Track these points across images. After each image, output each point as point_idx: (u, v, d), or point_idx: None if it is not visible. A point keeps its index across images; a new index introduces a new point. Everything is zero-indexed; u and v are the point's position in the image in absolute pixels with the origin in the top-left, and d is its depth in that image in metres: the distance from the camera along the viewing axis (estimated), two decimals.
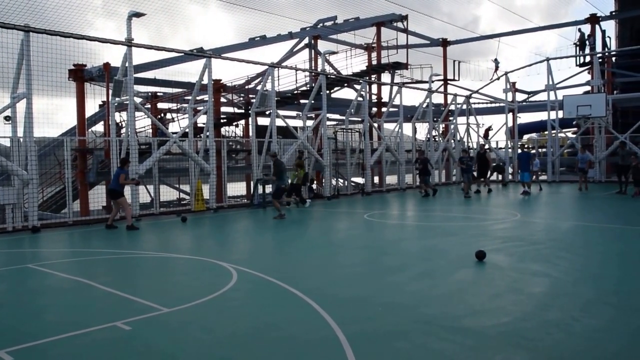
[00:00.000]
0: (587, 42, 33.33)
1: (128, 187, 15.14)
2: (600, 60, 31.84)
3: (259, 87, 23.05)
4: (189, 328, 5.58)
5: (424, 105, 29.06)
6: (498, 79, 34.76)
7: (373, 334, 5.29)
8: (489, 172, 23.85)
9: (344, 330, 5.28)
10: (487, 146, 30.62)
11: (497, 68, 37.66)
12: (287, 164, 20.89)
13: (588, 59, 32.63)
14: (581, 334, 5.17)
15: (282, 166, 16.18)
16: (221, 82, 25.40)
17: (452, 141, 31.50)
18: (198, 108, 19.15)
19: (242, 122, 28.10)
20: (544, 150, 32.87)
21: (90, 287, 7.48)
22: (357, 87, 27.45)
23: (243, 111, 26.41)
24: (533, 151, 31.17)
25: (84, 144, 21.54)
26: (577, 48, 34.05)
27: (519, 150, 23.90)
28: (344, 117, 27.27)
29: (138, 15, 15.54)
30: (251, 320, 5.86)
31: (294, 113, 31.40)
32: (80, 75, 21.53)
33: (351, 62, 32.42)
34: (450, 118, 32.48)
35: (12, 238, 12.80)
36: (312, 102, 23.27)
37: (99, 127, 26.15)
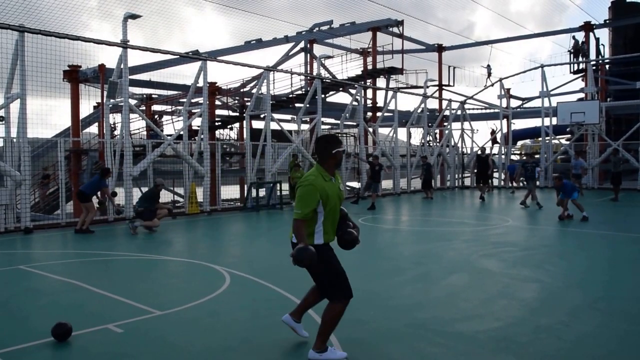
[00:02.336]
0: (580, 50, 33.55)
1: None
2: (594, 67, 32.01)
3: (254, 91, 23.06)
4: (182, 331, 5.58)
5: (419, 111, 29.13)
6: (492, 85, 34.94)
7: (365, 338, 5.31)
8: (489, 177, 22.90)
9: (337, 334, 5.27)
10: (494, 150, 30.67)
11: (489, 74, 37.87)
12: (280, 167, 20.96)
13: (582, 66, 32.82)
14: (571, 339, 5.20)
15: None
16: (216, 84, 25.42)
17: (447, 146, 31.59)
18: (193, 110, 19.16)
19: (237, 125, 28.12)
20: (537, 156, 32.98)
21: (82, 289, 7.46)
22: (353, 91, 27.51)
23: (238, 114, 26.43)
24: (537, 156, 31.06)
25: (78, 145, 21.51)
26: (572, 55, 34.25)
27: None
28: (338, 121, 27.30)
29: (134, 17, 15.52)
30: (243, 323, 5.87)
31: (289, 117, 31.46)
32: (75, 77, 21.53)
33: (346, 67, 32.55)
34: (445, 123, 32.56)
35: (4, 239, 12.75)
36: (307, 106, 23.30)
37: (93, 129, 26.12)
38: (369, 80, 30.72)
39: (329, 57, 28.83)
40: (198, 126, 19.16)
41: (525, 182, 20.22)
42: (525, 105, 40.55)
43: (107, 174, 14.15)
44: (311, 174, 4.71)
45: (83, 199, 13.79)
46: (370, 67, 31.95)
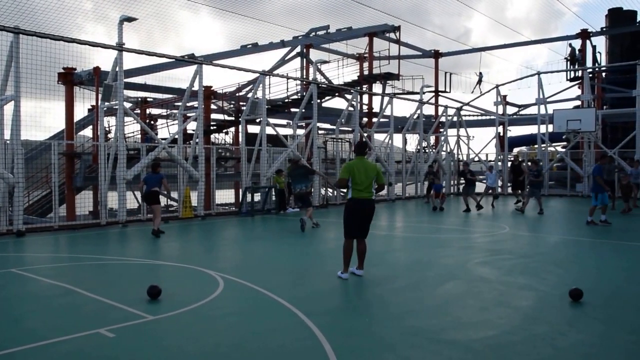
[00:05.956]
0: (577, 57, 33.66)
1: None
2: (590, 75, 32.09)
3: (249, 95, 23.02)
4: (174, 336, 5.51)
5: (415, 117, 29.13)
6: (482, 93, 35.06)
7: (359, 345, 5.24)
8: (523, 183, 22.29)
9: (330, 341, 5.22)
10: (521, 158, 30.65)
11: (479, 81, 37.95)
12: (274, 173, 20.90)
13: (579, 73, 32.89)
14: (568, 348, 5.14)
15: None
16: (212, 88, 25.37)
17: (443, 153, 31.61)
18: (188, 114, 19.09)
19: (232, 129, 28.07)
20: (541, 163, 33.05)
21: (74, 293, 7.38)
22: (348, 96, 27.47)
23: (233, 118, 26.38)
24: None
25: (72, 148, 21.40)
26: (568, 63, 34.33)
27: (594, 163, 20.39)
28: (334, 127, 27.27)
29: (130, 20, 15.46)
30: (237, 329, 5.80)
31: (284, 121, 31.42)
32: (69, 79, 21.45)
33: (343, 72, 32.56)
34: (441, 130, 32.57)
35: None
36: (303, 110, 23.26)
37: (88, 132, 26.02)
38: (365, 86, 30.72)
39: (325, 62, 28.76)
40: (193, 130, 19.09)
41: (528, 189, 20.17)
42: (521, 112, 40.61)
43: (158, 167, 13.89)
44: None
45: (155, 199, 13.67)
46: (366, 72, 31.94)
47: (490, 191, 23.17)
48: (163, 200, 26.21)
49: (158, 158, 16.82)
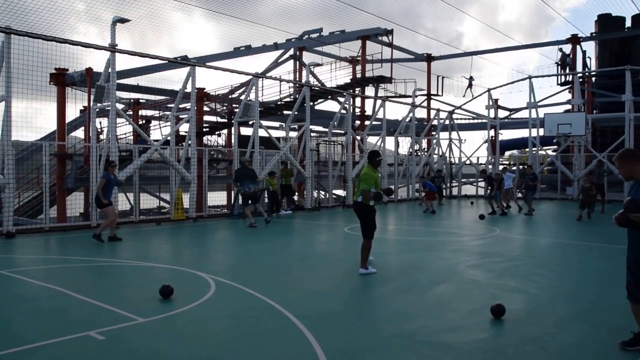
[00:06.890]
0: (567, 62, 33.89)
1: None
2: (580, 80, 32.30)
3: (242, 97, 22.99)
4: (165, 339, 5.50)
5: (407, 120, 29.20)
6: (473, 97, 35.19)
7: (351, 348, 5.25)
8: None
9: (322, 345, 5.23)
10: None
11: (470, 85, 38.13)
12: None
13: (569, 78, 33.10)
14: (557, 351, 5.18)
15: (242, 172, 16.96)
16: (205, 90, 25.32)
17: (435, 156, 31.70)
18: (181, 116, 19.04)
19: (225, 131, 28.01)
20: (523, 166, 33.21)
21: (64, 295, 7.35)
22: (341, 99, 27.50)
23: (226, 120, 26.33)
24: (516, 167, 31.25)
25: (64, 149, 21.30)
26: (559, 67, 34.54)
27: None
28: (327, 129, 27.28)
29: (122, 21, 15.41)
30: (228, 332, 5.79)
31: (277, 124, 31.41)
32: (61, 80, 21.32)
33: (335, 75, 32.62)
34: (433, 133, 32.67)
35: None
36: (296, 113, 23.27)
37: (79, 133, 25.90)
38: (357, 89, 30.75)
39: (318, 64, 28.79)
40: (185, 132, 19.05)
41: (523, 192, 21.51)
42: (512, 116, 40.80)
43: (109, 166, 13.13)
44: (369, 169, 8.87)
45: (97, 204, 13.07)
46: (359, 75, 31.99)
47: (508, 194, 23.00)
48: (155, 202, 26.19)
49: (150, 160, 16.75)
